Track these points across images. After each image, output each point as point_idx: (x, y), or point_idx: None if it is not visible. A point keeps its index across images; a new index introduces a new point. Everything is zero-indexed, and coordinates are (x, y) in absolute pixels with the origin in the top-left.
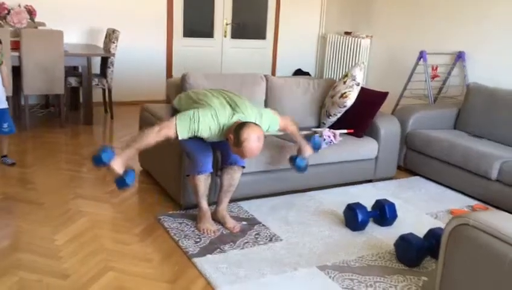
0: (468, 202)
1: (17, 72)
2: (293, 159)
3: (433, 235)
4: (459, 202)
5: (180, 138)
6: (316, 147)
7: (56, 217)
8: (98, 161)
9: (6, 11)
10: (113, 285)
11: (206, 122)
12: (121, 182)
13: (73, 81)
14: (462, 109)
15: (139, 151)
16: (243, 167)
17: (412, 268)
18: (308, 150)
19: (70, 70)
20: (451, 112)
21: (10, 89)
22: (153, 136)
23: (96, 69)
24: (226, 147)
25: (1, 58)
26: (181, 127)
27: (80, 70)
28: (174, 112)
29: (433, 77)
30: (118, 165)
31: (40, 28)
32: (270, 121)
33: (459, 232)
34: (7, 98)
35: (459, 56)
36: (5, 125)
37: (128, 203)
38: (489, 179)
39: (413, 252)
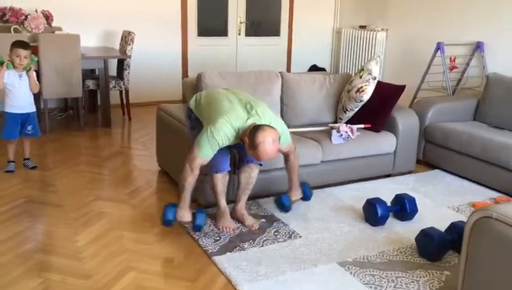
0: (490, 194)
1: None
2: (279, 196)
3: (455, 228)
4: (481, 194)
5: (209, 159)
6: (307, 198)
7: (77, 218)
8: (168, 222)
9: (23, 17)
10: (134, 285)
11: (222, 135)
12: (195, 227)
13: (90, 84)
14: (482, 100)
15: (191, 191)
16: (260, 165)
17: (434, 263)
18: (297, 195)
19: (88, 74)
20: (470, 103)
21: (36, 91)
22: (191, 176)
23: (113, 71)
24: (242, 147)
25: (30, 63)
26: (204, 152)
27: (97, 73)
28: (190, 112)
29: (451, 68)
30: (185, 216)
31: (57, 32)
32: (281, 132)
33: (482, 225)
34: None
35: (478, 46)
36: (29, 128)
37: (147, 203)
38: (511, 170)
39: (434, 246)
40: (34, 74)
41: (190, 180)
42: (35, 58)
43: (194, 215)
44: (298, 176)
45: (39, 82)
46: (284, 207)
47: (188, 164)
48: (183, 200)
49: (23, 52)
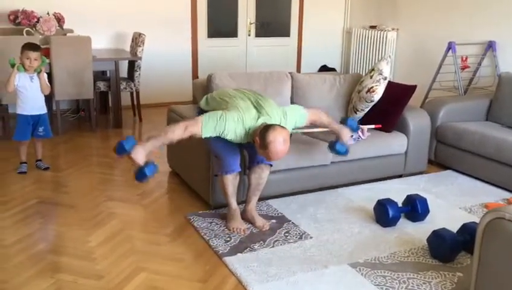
0: (503, 195)
1: (47, 78)
2: (333, 145)
3: (467, 230)
4: (494, 195)
5: (204, 136)
6: (354, 128)
7: (89, 219)
8: (120, 149)
9: (35, 20)
10: (145, 285)
11: (232, 126)
12: (140, 173)
13: (101, 85)
14: (494, 100)
15: (163, 145)
16: (271, 166)
17: (446, 264)
18: (347, 134)
19: (99, 75)
20: (482, 103)
21: (47, 93)
22: (179, 132)
23: (123, 72)
24: (253, 147)
25: (41, 65)
26: (207, 126)
27: (108, 74)
28: (201, 112)
29: (463, 68)
30: (139, 155)
31: (68, 34)
32: (296, 118)
33: (494, 226)
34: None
35: (490, 46)
36: (41, 129)
37: (158, 204)
38: None
39: (447, 247)
40: (45, 75)
41: (174, 136)
42: (47, 60)
43: (146, 164)
44: (336, 123)
45: (51, 84)
46: (342, 153)
47: (184, 124)
48: (148, 144)
49: (33, 55)
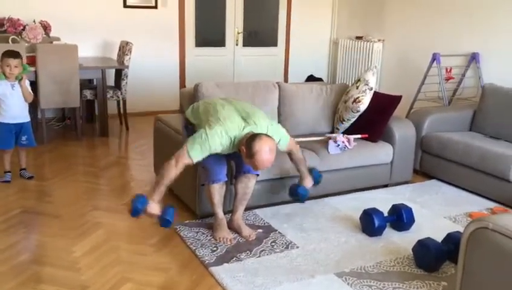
0: (487, 204)
1: (33, 86)
2: (295, 189)
3: (452, 239)
4: (478, 204)
5: (195, 161)
6: (316, 181)
7: (73, 229)
8: (136, 212)
9: (21, 27)
10: None
11: (217, 141)
12: (164, 222)
13: (88, 94)
14: (478, 110)
15: (167, 186)
16: (257, 175)
17: (431, 273)
18: (309, 182)
19: (85, 84)
20: (466, 113)
21: (30, 101)
22: (173, 171)
23: (110, 81)
24: (239, 156)
25: (22, 72)
26: (194, 152)
27: (95, 83)
28: (187, 122)
29: (447, 78)
30: (154, 209)
31: (55, 42)
32: (281, 136)
33: (478, 235)
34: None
35: (473, 57)
36: (24, 138)
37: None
38: (508, 180)
39: (431, 257)
40: (27, 82)
41: (170, 175)
42: (29, 68)
43: (164, 211)
44: (306, 166)
45: (37, 92)
46: (301, 196)
47: (174, 159)
48: (156, 194)
49: (13, 62)
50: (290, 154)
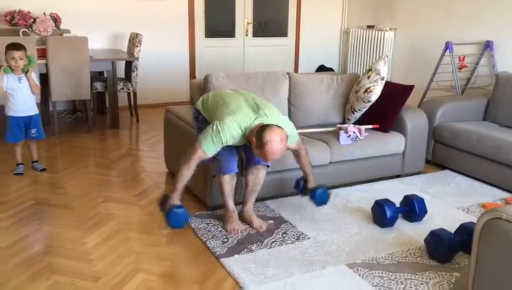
0: (500, 195)
1: (44, 79)
2: (312, 196)
3: (465, 230)
4: (491, 195)
5: (209, 155)
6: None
7: (86, 220)
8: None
9: (32, 20)
10: (142, 287)
11: (228, 133)
12: (170, 216)
13: (99, 86)
14: (492, 100)
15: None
16: (268, 166)
17: (443, 264)
18: (312, 183)
19: (96, 76)
20: (480, 102)
21: (38, 96)
22: (188, 168)
23: (120, 73)
24: (250, 148)
25: (28, 65)
26: (207, 146)
27: (105, 75)
28: (196, 113)
29: (461, 67)
30: (176, 201)
31: (65, 35)
32: (290, 131)
33: (492, 226)
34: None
35: (487, 45)
36: (33, 131)
37: (155, 205)
38: None
39: (444, 247)
40: (34, 75)
41: (186, 172)
42: (34, 60)
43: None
44: (311, 168)
45: (47, 85)
46: (322, 201)
47: (188, 155)
48: (176, 191)
49: (16, 54)
50: (296, 155)
